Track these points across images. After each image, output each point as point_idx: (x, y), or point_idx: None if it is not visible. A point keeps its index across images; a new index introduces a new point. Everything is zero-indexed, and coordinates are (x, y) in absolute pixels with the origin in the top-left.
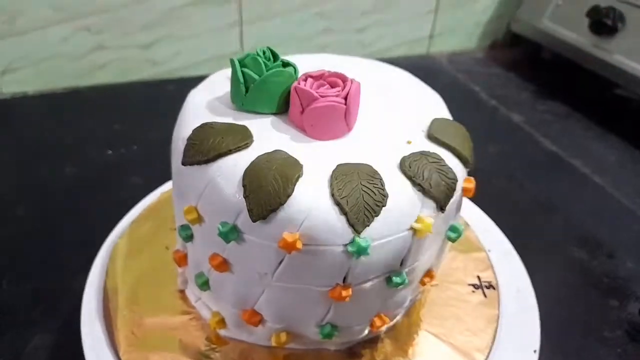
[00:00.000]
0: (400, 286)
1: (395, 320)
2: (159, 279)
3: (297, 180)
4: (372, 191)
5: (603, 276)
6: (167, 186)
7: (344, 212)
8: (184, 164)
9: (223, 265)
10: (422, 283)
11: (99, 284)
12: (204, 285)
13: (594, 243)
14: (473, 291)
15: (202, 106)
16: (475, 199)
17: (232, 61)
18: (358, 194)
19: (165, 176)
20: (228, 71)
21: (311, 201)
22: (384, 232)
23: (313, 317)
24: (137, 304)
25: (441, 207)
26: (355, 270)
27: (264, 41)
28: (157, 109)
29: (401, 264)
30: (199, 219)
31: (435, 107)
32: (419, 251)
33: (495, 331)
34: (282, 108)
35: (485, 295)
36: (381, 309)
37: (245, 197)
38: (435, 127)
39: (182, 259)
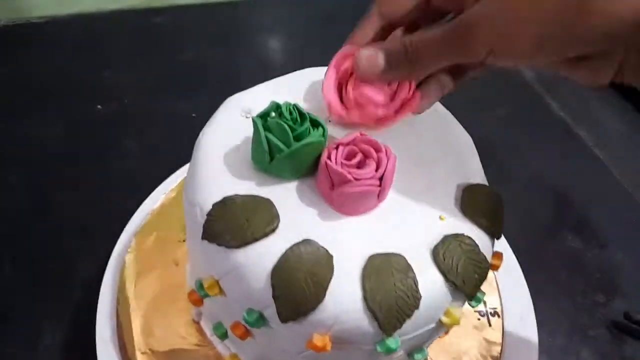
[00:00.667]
0: (420, 357)
1: None
2: (172, 305)
3: (329, 283)
4: (406, 294)
5: (595, 270)
6: (169, 183)
7: (376, 317)
8: (204, 239)
9: (245, 334)
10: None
11: (112, 312)
12: (223, 336)
13: (589, 231)
14: (479, 319)
15: (219, 161)
16: None
17: (254, 123)
18: (392, 299)
19: (165, 146)
20: (241, 100)
21: (343, 306)
22: (412, 330)
23: None
24: (151, 335)
25: (470, 298)
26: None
27: None
28: (146, 48)
29: (424, 341)
30: (221, 292)
31: (468, 162)
32: (442, 331)
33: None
34: (308, 172)
35: (490, 324)
36: None
37: (274, 297)
38: (468, 198)
39: (198, 301)
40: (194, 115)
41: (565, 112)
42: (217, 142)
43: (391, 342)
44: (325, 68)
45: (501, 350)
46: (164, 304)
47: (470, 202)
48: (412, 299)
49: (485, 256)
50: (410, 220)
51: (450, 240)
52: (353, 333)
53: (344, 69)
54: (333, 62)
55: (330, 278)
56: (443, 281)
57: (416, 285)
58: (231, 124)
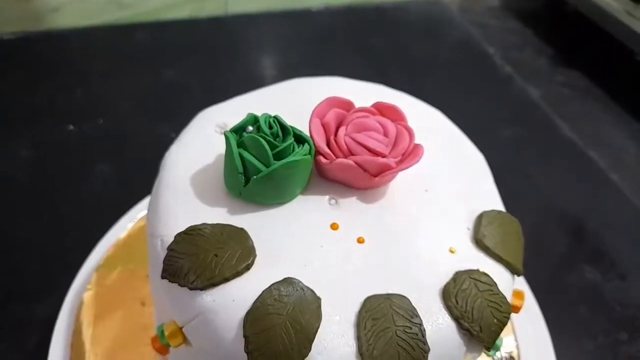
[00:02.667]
0: None
1: None
2: (134, 352)
3: (315, 333)
4: (411, 346)
5: (615, 303)
6: (138, 210)
7: None
8: (163, 278)
9: None
10: None
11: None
12: None
13: (607, 261)
14: None
15: (186, 184)
16: None
17: (226, 138)
18: (393, 352)
19: (141, 171)
20: (216, 113)
21: None
22: None
23: None
24: None
25: (488, 348)
26: None
27: None
28: (125, 65)
29: None
30: (186, 342)
31: (481, 185)
32: None
33: None
34: (292, 197)
35: None
36: None
37: (248, 352)
38: (483, 228)
39: (162, 350)
40: (174, 137)
41: (575, 133)
42: (186, 162)
43: None
44: (314, 79)
45: None
46: (125, 350)
47: (487, 233)
48: (418, 352)
49: (505, 297)
50: (415, 253)
51: (464, 278)
52: None
53: (329, 119)
54: (315, 111)
55: (317, 327)
56: (456, 328)
57: (423, 335)
58: (203, 141)
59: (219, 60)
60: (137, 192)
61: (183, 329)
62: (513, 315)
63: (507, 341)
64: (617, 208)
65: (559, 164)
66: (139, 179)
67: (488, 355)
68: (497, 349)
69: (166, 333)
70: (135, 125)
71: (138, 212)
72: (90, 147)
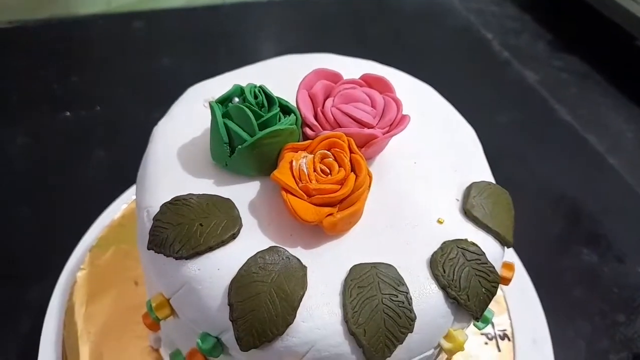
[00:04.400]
0: None
1: None
2: (127, 329)
3: (300, 301)
4: (397, 313)
5: (613, 285)
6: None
7: (360, 344)
8: (149, 249)
9: None
10: None
11: (57, 338)
12: None
13: (604, 243)
14: (486, 342)
15: (172, 155)
16: None
17: (212, 108)
18: (379, 319)
19: (136, 156)
20: (205, 88)
21: (318, 329)
22: (405, 357)
23: None
24: None
25: (477, 318)
26: None
27: None
28: (123, 53)
29: None
30: (173, 314)
31: (471, 157)
32: (443, 358)
33: None
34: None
35: (499, 349)
36: None
37: (232, 320)
38: (472, 198)
39: (153, 326)
40: None
41: (573, 117)
42: (173, 135)
43: None
44: (306, 55)
45: None
46: (118, 328)
47: (476, 204)
48: (404, 320)
49: (493, 267)
50: (403, 223)
51: (451, 247)
52: None
53: (316, 91)
54: (302, 82)
55: (302, 295)
56: (443, 297)
57: (409, 303)
58: (191, 115)
59: (215, 48)
60: (132, 176)
61: (170, 301)
62: (507, 293)
63: (501, 319)
64: (615, 191)
65: (556, 148)
66: (134, 164)
67: (479, 329)
68: (487, 321)
69: (153, 305)
70: (132, 111)
71: (132, 195)
72: (87, 133)
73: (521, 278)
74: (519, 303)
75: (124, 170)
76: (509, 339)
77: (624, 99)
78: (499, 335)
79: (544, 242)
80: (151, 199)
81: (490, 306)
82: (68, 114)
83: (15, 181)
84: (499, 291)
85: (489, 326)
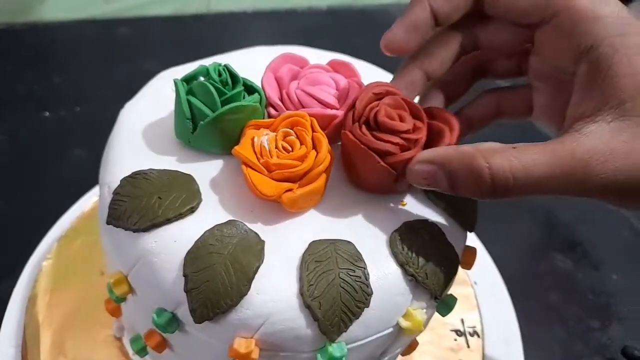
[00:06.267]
0: None
1: None
2: (91, 319)
3: (255, 272)
4: (353, 287)
5: (588, 292)
6: None
7: (315, 318)
8: (108, 224)
9: (162, 345)
10: (403, 354)
11: (19, 326)
12: (142, 351)
13: (580, 251)
14: (455, 339)
15: (137, 134)
16: None
17: (175, 85)
18: (335, 293)
19: None
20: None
21: (273, 302)
22: (363, 334)
23: None
24: (63, 354)
25: (436, 297)
26: None
27: None
28: (107, 57)
29: (381, 353)
30: (131, 291)
31: None
32: (404, 341)
33: None
34: None
35: (468, 345)
36: None
37: (187, 292)
38: None
39: (115, 311)
40: None
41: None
42: (139, 117)
43: (335, 349)
44: (277, 46)
45: None
46: (82, 317)
47: None
48: (360, 294)
49: (453, 247)
50: (365, 205)
51: (412, 227)
52: (286, 337)
53: (282, 74)
54: (269, 66)
55: (258, 267)
56: (401, 274)
57: (367, 278)
58: (158, 99)
59: (199, 56)
60: None
61: (128, 277)
62: (477, 291)
63: (471, 316)
64: (591, 201)
65: None
66: None
67: (442, 315)
68: (449, 307)
69: (112, 281)
70: (112, 112)
71: None
72: (66, 132)
73: (492, 276)
74: (490, 302)
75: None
76: (478, 336)
77: None
78: (469, 332)
79: (519, 249)
80: (112, 175)
81: (459, 303)
82: (47, 114)
83: None
84: (469, 289)
85: (459, 322)
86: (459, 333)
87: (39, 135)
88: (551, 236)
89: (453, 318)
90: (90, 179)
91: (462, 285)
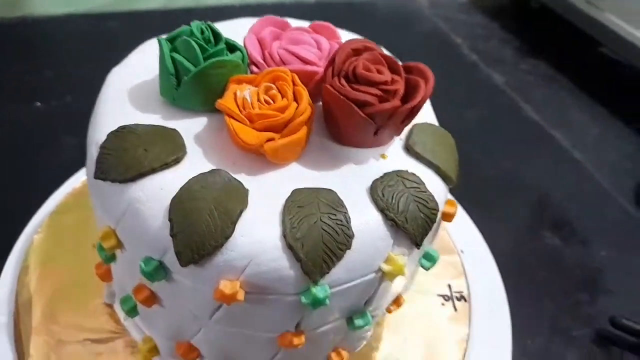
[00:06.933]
0: (364, 327)
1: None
2: (82, 289)
3: (239, 216)
4: (334, 230)
5: (575, 267)
6: None
7: (297, 258)
8: (96, 178)
9: (150, 299)
10: (389, 311)
11: (10, 297)
12: (132, 311)
13: (568, 228)
14: (443, 304)
15: (124, 95)
16: None
17: (159, 43)
18: (317, 234)
19: None
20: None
21: (257, 243)
22: (346, 277)
23: (259, 359)
24: (55, 322)
25: (416, 243)
26: (309, 318)
27: None
28: (97, 50)
29: (365, 303)
30: (119, 245)
31: None
32: (387, 289)
33: (464, 353)
34: None
35: (455, 309)
36: (340, 345)
37: (172, 236)
38: (415, 136)
39: (105, 275)
40: None
41: (539, 116)
42: (126, 79)
43: (318, 290)
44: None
45: (468, 335)
46: (73, 287)
47: (419, 140)
48: (342, 237)
49: (432, 195)
50: (347, 158)
51: (392, 176)
52: (270, 278)
53: (265, 35)
54: (253, 28)
55: (242, 211)
56: (381, 219)
57: (348, 222)
58: (144, 63)
59: None
60: None
61: (116, 231)
62: (465, 261)
63: (458, 282)
64: (579, 182)
65: (523, 143)
66: None
67: (425, 268)
68: (433, 260)
69: (100, 235)
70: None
71: None
72: (57, 121)
73: (478, 245)
74: (476, 268)
75: None
76: (465, 300)
77: (589, 100)
78: (456, 297)
79: (509, 227)
80: (100, 132)
81: (446, 269)
82: (39, 104)
83: None
84: (456, 257)
85: (446, 288)
86: (447, 298)
87: (31, 124)
88: (540, 215)
89: (440, 284)
90: (80, 164)
91: (449, 253)
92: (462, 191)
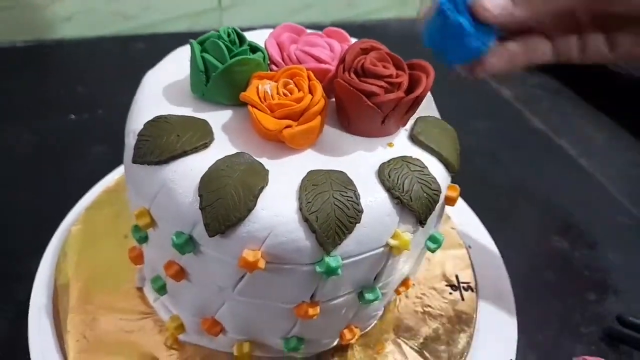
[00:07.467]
0: (374, 302)
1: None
2: (115, 274)
3: (260, 191)
4: (345, 205)
5: (583, 269)
6: None
7: (312, 229)
8: (134, 162)
9: (179, 274)
10: (397, 292)
11: (50, 280)
12: (161, 290)
13: (576, 232)
14: (450, 293)
15: (158, 92)
16: (455, 180)
17: (191, 44)
18: (329, 209)
19: None
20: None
21: (276, 216)
22: (356, 250)
23: (278, 331)
24: (90, 302)
25: (421, 222)
26: (324, 288)
27: None
28: (126, 69)
29: (375, 278)
30: (153, 224)
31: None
32: (395, 266)
33: (471, 339)
34: None
35: (463, 298)
36: (352, 321)
37: (201, 209)
38: (419, 127)
39: (137, 258)
40: None
41: (546, 126)
42: (159, 79)
43: (331, 260)
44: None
45: (475, 323)
46: (106, 273)
47: (423, 131)
48: (352, 211)
49: (435, 178)
50: (356, 145)
51: (397, 161)
52: (288, 248)
53: (283, 39)
54: (273, 33)
55: (263, 187)
56: (388, 198)
57: (357, 198)
58: (177, 66)
59: None
60: None
61: (150, 210)
62: (471, 252)
63: (465, 273)
64: (586, 189)
65: (530, 151)
66: None
67: (431, 251)
68: (438, 242)
69: (135, 213)
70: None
71: None
72: (89, 132)
73: (484, 240)
74: (483, 261)
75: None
76: (472, 290)
77: (595, 110)
78: (463, 287)
79: (516, 231)
80: (137, 122)
81: (454, 262)
82: (73, 116)
83: (20, 168)
84: (463, 250)
85: (454, 279)
86: (454, 287)
87: (66, 135)
88: (548, 219)
89: (448, 275)
90: (110, 167)
91: (456, 247)
92: (474, 198)
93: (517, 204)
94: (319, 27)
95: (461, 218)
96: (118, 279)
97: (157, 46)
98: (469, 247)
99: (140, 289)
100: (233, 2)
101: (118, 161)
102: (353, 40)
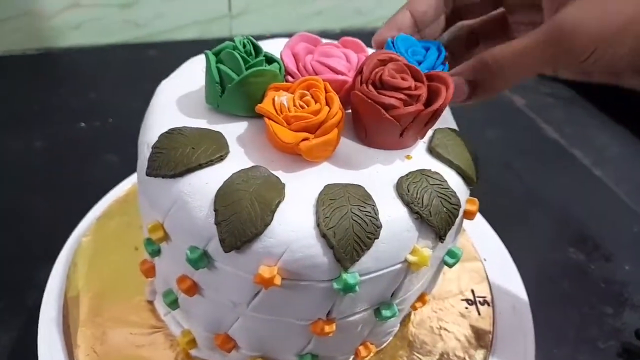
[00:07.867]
0: (390, 319)
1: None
2: (125, 287)
3: (277, 206)
4: (364, 221)
5: (600, 281)
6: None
7: (330, 245)
8: (148, 175)
9: (192, 289)
10: (414, 308)
11: (60, 292)
12: (173, 304)
13: (591, 244)
14: (467, 307)
15: (172, 103)
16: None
17: (206, 55)
18: (347, 224)
19: None
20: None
21: (293, 232)
22: (374, 266)
23: (292, 348)
24: (100, 315)
25: (440, 237)
26: (340, 305)
27: (254, 3)
28: (137, 76)
29: (392, 295)
30: (166, 237)
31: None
32: (412, 282)
33: (488, 355)
34: None
35: (479, 313)
36: (367, 338)
37: (217, 224)
38: (437, 139)
39: (149, 271)
40: None
41: (559, 135)
42: (173, 89)
43: (349, 277)
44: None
45: (492, 338)
46: (117, 285)
47: (441, 143)
48: (371, 227)
49: (454, 192)
50: (374, 158)
51: (416, 174)
52: (305, 265)
53: (299, 49)
54: (288, 44)
55: (280, 201)
56: (407, 213)
57: (376, 213)
58: (191, 77)
59: None
60: None
61: (164, 224)
62: (488, 269)
63: (481, 287)
64: (601, 198)
65: (543, 160)
66: None
67: (448, 266)
68: (456, 257)
69: (149, 227)
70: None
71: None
72: (99, 140)
73: (500, 253)
74: (499, 275)
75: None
76: (488, 305)
77: (608, 119)
78: (479, 301)
79: (532, 242)
80: (151, 134)
81: (469, 276)
82: (83, 124)
83: (31, 176)
84: (479, 264)
85: (470, 293)
86: (470, 302)
87: (76, 142)
88: (563, 231)
89: (464, 289)
90: (121, 176)
91: (472, 260)
92: (487, 208)
93: (532, 214)
94: (328, 34)
95: (476, 230)
96: (128, 291)
97: (168, 54)
98: (484, 260)
99: (150, 302)
100: (243, 9)
101: (129, 170)
102: (369, 50)
